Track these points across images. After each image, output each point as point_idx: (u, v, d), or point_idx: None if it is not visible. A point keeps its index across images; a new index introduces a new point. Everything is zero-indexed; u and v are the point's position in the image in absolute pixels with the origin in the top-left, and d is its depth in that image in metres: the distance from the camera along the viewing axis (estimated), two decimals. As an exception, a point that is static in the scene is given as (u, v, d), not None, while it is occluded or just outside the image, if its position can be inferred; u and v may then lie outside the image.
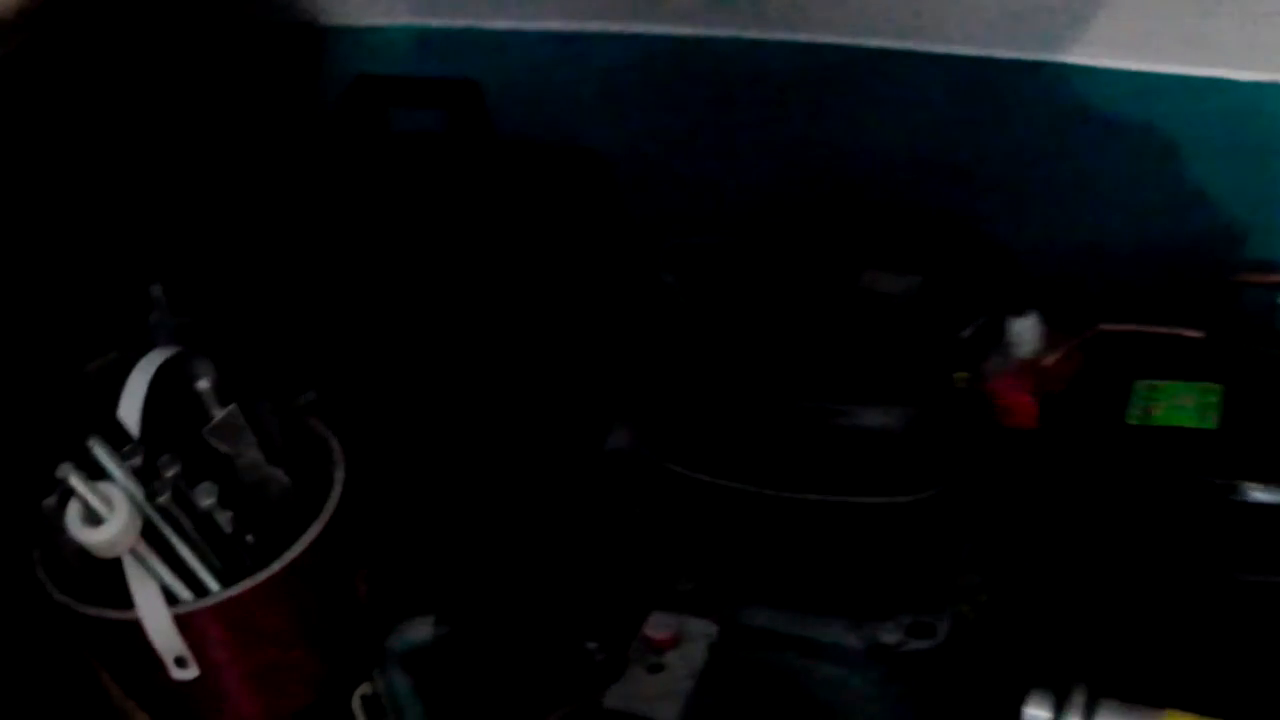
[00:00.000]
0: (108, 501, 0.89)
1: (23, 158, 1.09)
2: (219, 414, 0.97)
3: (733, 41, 1.20)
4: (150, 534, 0.94)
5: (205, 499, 0.94)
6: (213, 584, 0.98)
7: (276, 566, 0.99)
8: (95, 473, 0.91)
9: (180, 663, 0.98)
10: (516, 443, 1.22)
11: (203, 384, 0.96)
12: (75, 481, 0.87)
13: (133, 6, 1.17)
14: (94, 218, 1.14)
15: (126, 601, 0.95)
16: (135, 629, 0.96)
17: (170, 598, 0.96)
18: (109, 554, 0.91)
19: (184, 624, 0.96)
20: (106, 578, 0.95)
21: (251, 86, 1.28)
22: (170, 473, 0.94)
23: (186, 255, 1.18)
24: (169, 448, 0.96)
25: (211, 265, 1.20)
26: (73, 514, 0.89)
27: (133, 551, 0.92)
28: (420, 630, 1.05)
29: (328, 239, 1.25)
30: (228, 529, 0.97)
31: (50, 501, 0.92)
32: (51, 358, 1.09)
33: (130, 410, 0.95)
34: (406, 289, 1.23)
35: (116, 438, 0.96)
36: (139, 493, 0.92)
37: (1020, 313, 1.07)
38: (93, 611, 0.97)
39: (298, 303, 1.22)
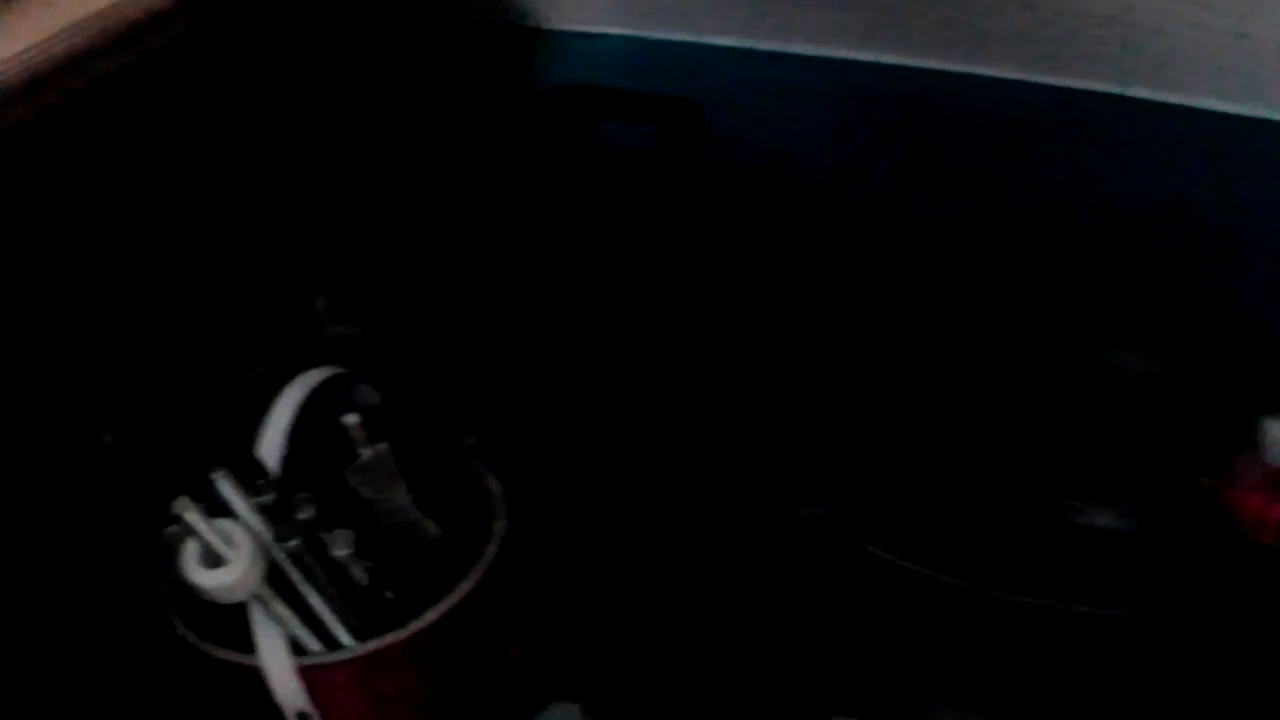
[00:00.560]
0: (230, 542, 0.81)
1: (202, 153, 1.02)
2: (367, 453, 0.87)
3: (966, 77, 1.06)
4: (278, 580, 0.85)
5: (340, 548, 0.85)
6: (345, 638, 0.89)
7: (415, 626, 0.89)
8: (221, 508, 0.82)
9: (303, 717, 0.88)
10: (702, 503, 1.09)
11: (351, 419, 0.86)
12: (192, 518, 0.78)
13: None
14: (268, 223, 1.05)
15: (252, 643, 0.86)
16: (258, 676, 0.87)
17: (298, 648, 0.87)
18: (227, 599, 0.82)
19: (310, 677, 0.88)
20: (236, 614, 0.86)
21: (451, 88, 1.19)
22: (304, 515, 0.84)
23: (362, 266, 1.09)
24: (308, 484, 0.87)
25: (389, 279, 1.11)
26: (190, 552, 0.80)
27: (257, 597, 0.83)
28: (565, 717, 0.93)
29: (522, 258, 1.15)
30: (363, 580, 0.87)
31: (174, 530, 0.83)
32: (220, 367, 1.00)
33: (271, 443, 0.86)
34: (604, 321, 1.12)
35: (254, 467, 0.87)
36: (267, 534, 0.83)
37: (1276, 413, 0.91)
38: (214, 651, 0.88)
39: (478, 326, 1.12)
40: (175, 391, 0.96)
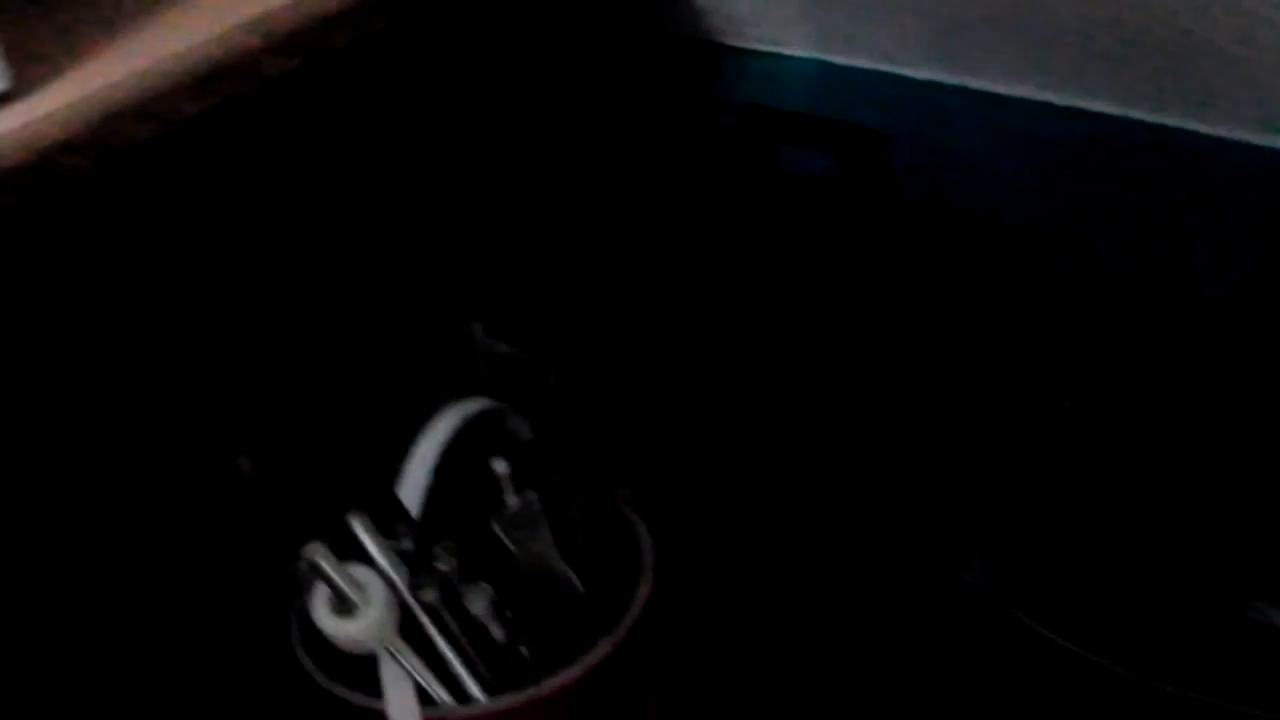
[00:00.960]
0: (362, 590, 0.76)
1: (364, 164, 0.97)
2: (514, 501, 0.81)
3: (1186, 134, 0.97)
4: (410, 629, 0.80)
5: (478, 603, 0.79)
6: (477, 693, 0.83)
7: (551, 684, 0.83)
8: (354, 550, 0.77)
9: (428, 769, 0.83)
10: (860, 559, 1.03)
11: (500, 467, 0.81)
12: (323, 564, 0.73)
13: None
14: (429, 239, 1.00)
15: (379, 687, 0.81)
16: (382, 722, 0.82)
17: (425, 697, 0.82)
18: (355, 650, 0.77)
19: (436, 731, 0.82)
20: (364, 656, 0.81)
21: (631, 101, 1.13)
22: (444, 565, 0.79)
23: (525, 289, 1.04)
24: (448, 527, 0.82)
25: (551, 303, 1.05)
26: (320, 599, 0.76)
27: (388, 647, 0.78)
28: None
29: (690, 283, 1.09)
30: (500, 637, 0.81)
31: (304, 566, 0.78)
32: (368, 393, 0.96)
33: (413, 482, 0.81)
34: (774, 361, 1.06)
35: (394, 504, 0.82)
36: (402, 583, 0.78)
37: None
38: (339, 692, 0.84)
39: (643, 357, 1.06)
40: (318, 417, 0.91)
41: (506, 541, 0.82)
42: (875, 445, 1.04)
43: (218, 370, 0.87)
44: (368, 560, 0.78)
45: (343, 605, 0.76)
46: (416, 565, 0.80)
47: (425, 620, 0.80)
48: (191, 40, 0.80)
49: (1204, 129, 0.96)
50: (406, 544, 0.80)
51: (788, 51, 1.16)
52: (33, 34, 0.81)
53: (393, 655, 0.80)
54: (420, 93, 0.99)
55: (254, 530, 0.87)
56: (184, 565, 0.88)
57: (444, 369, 0.93)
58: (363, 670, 0.81)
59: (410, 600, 0.79)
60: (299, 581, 0.83)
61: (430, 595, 0.79)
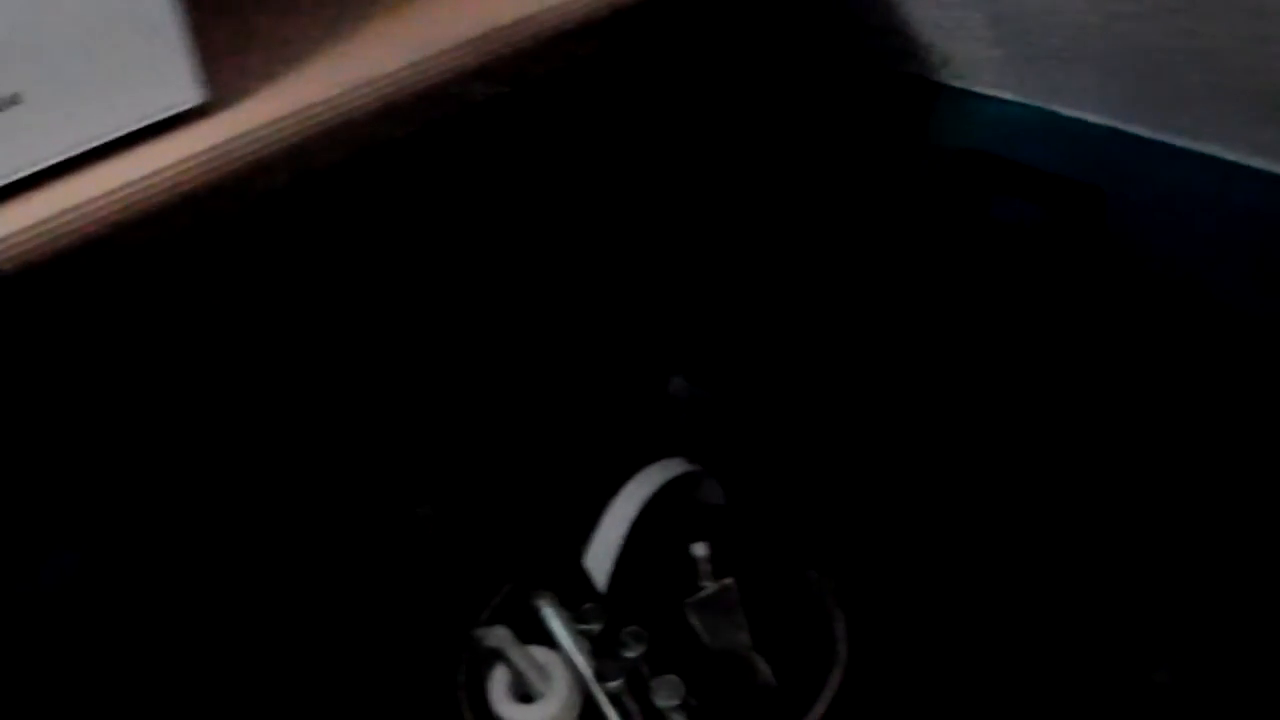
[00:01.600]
0: (546, 677, 0.69)
1: (559, 195, 0.91)
2: (710, 587, 0.74)
3: None
4: (589, 715, 0.73)
5: (666, 699, 0.73)
6: (652, 783, 0.77)
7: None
8: (536, 632, 0.71)
9: None
10: (1052, 661, 0.95)
11: (700, 550, 0.74)
12: (510, 652, 0.67)
13: (720, 32, 0.96)
14: (625, 285, 0.94)
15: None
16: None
17: (598, 783, 0.76)
18: (533, 738, 0.71)
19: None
20: None
21: (842, 138, 1.06)
22: (632, 653, 0.73)
23: (724, 340, 0.97)
24: (637, 611, 0.75)
25: (751, 355, 0.98)
26: (499, 682, 0.70)
27: (564, 733, 0.72)
28: None
29: (897, 334, 1.01)
30: (682, 729, 0.75)
31: (482, 634, 0.72)
32: (555, 445, 0.90)
33: (601, 553, 0.74)
34: (980, 432, 0.98)
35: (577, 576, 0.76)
36: (588, 671, 0.72)
37: None
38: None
39: (843, 416, 0.98)
40: (502, 467, 0.85)
41: (700, 629, 0.75)
42: (1076, 531, 0.96)
43: (404, 414, 0.81)
44: (551, 642, 0.72)
45: (524, 690, 0.70)
46: (603, 650, 0.74)
47: (610, 711, 0.74)
48: (394, 62, 0.74)
49: None
50: (594, 627, 0.74)
51: (1012, 97, 1.08)
52: (230, 47, 0.76)
53: (569, 740, 0.74)
54: (622, 126, 0.92)
55: (431, 576, 0.81)
56: (360, 605, 0.83)
57: (638, 423, 0.86)
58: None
59: (596, 690, 0.73)
60: (475, 649, 0.77)
61: (616, 684, 0.73)
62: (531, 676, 0.69)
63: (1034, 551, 0.97)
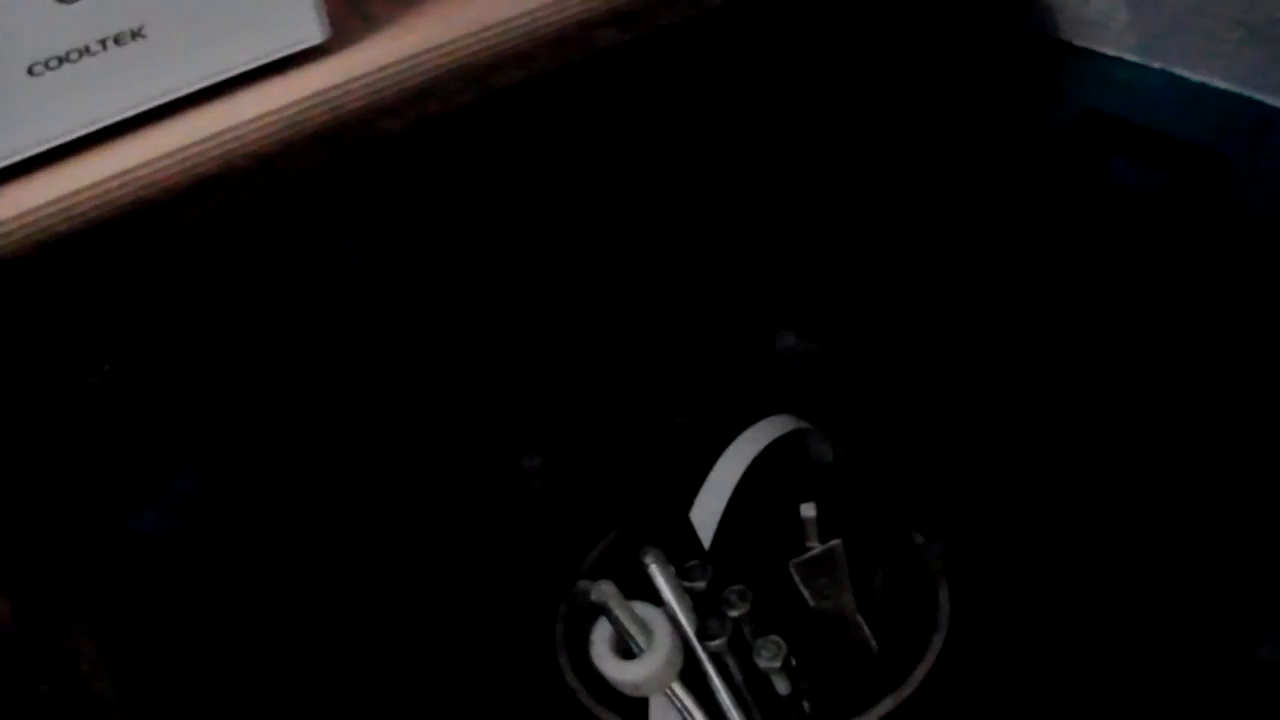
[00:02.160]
0: (648, 633, 0.69)
1: (684, 155, 0.90)
2: (817, 547, 0.73)
3: None
4: (690, 670, 0.73)
5: (768, 660, 0.72)
6: (749, 741, 0.76)
7: (829, 745, 0.76)
8: (639, 587, 0.70)
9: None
10: (1153, 629, 0.93)
11: (809, 511, 0.73)
12: (614, 608, 0.67)
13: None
14: (738, 237, 0.92)
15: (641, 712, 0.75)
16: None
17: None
18: (633, 693, 0.70)
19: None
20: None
21: (965, 95, 1.03)
22: (735, 612, 0.72)
23: (834, 292, 0.95)
24: (741, 569, 0.74)
25: (862, 309, 0.96)
26: (601, 637, 0.70)
27: (666, 690, 0.72)
28: None
29: (1019, 298, 0.99)
30: (784, 690, 0.74)
31: (584, 587, 0.72)
32: (666, 399, 0.89)
33: (709, 509, 0.74)
34: (1093, 394, 0.95)
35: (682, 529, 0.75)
36: (691, 629, 0.71)
37: None
38: (601, 714, 0.78)
39: (948, 377, 0.97)
40: (612, 421, 0.85)
41: (804, 590, 0.74)
42: (1192, 503, 0.94)
43: (516, 364, 0.81)
44: (655, 598, 0.71)
45: (626, 647, 0.70)
46: (707, 609, 0.73)
47: (710, 669, 0.73)
48: (522, 5, 0.73)
49: None
50: (699, 584, 0.73)
51: (1134, 58, 1.05)
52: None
53: (669, 697, 0.73)
54: (748, 76, 0.90)
55: (537, 527, 0.81)
56: (462, 559, 0.83)
57: (746, 378, 0.85)
58: (631, 698, 0.76)
59: (698, 648, 0.72)
60: (576, 602, 0.77)
61: (718, 643, 0.72)
62: (634, 632, 0.69)
63: (1148, 523, 0.94)
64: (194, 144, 0.65)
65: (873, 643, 0.78)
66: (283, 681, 0.80)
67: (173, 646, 0.77)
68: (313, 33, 0.69)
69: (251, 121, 0.66)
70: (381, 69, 0.69)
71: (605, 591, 0.67)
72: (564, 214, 0.83)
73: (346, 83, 0.68)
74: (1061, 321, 0.99)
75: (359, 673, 0.84)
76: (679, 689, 0.74)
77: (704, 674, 0.74)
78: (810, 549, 0.75)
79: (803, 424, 0.81)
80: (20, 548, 0.64)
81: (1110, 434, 0.96)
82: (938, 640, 0.81)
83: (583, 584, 0.74)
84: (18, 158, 0.63)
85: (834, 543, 0.73)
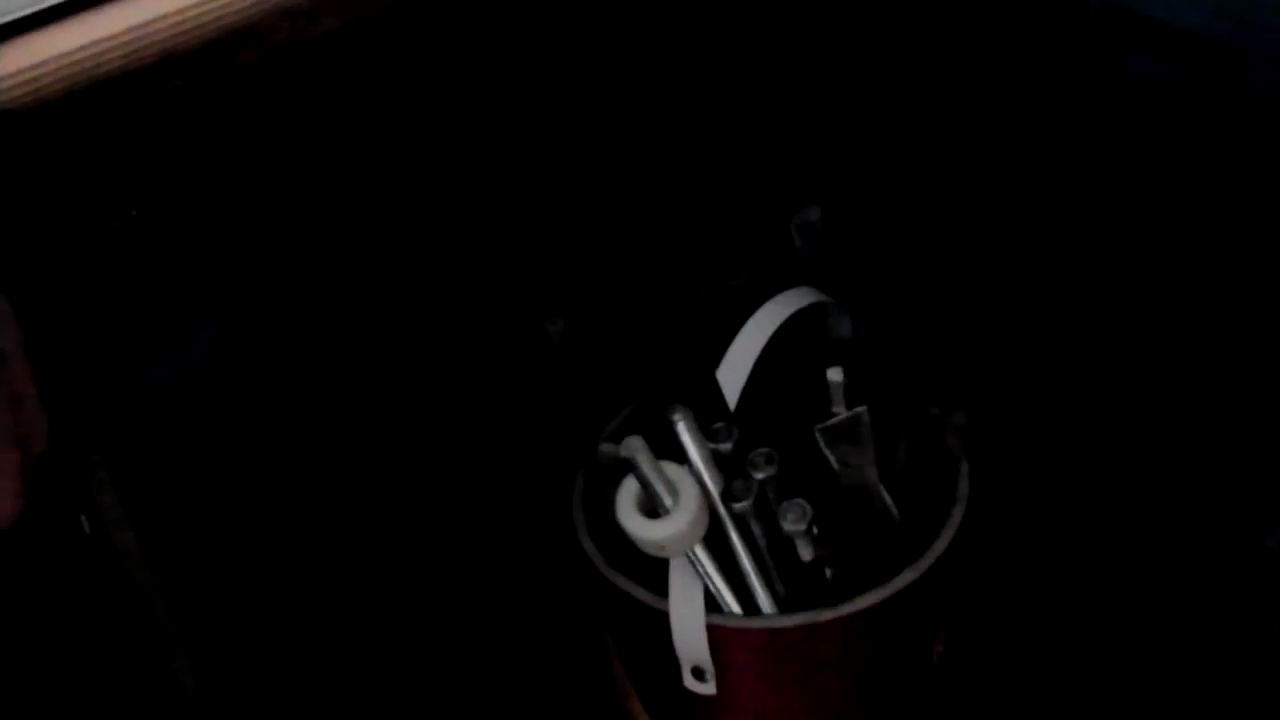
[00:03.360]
0: (675, 493, 0.69)
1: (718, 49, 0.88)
2: (842, 413, 0.73)
3: None
4: (713, 534, 0.73)
5: (793, 523, 0.72)
6: (767, 605, 0.77)
7: (845, 609, 0.76)
8: (668, 446, 0.70)
9: (698, 674, 0.78)
10: (1163, 521, 0.93)
11: (835, 375, 0.73)
12: (643, 463, 0.66)
13: None
14: (763, 112, 0.91)
15: (663, 583, 0.75)
16: (662, 618, 0.76)
17: (712, 601, 0.75)
18: (655, 553, 0.70)
19: (718, 636, 0.76)
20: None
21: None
22: (761, 474, 0.72)
23: (854, 179, 0.94)
24: (767, 434, 0.74)
25: (884, 192, 0.95)
26: (626, 496, 0.69)
27: (688, 551, 0.72)
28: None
29: (1022, 186, 0.99)
30: (806, 556, 0.74)
31: (608, 449, 0.72)
32: (688, 269, 0.88)
33: (735, 371, 0.73)
34: (1105, 289, 0.95)
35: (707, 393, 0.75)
36: (716, 490, 0.71)
37: None
38: (620, 582, 0.78)
39: (981, 260, 0.96)
40: (635, 287, 0.84)
41: (829, 455, 0.74)
42: (1190, 395, 0.94)
43: (535, 228, 0.80)
44: (683, 458, 0.71)
45: (652, 506, 0.70)
46: (733, 471, 0.73)
47: (733, 532, 0.73)
48: None
49: None
50: (725, 447, 0.73)
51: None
52: None
53: (690, 559, 0.73)
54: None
55: (560, 392, 0.81)
56: (481, 421, 0.82)
57: (767, 251, 0.84)
58: (646, 562, 0.76)
59: (722, 510, 0.72)
60: (598, 464, 0.77)
61: (743, 505, 0.72)
62: (660, 489, 0.69)
63: (1162, 418, 0.94)
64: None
65: (894, 512, 0.78)
66: (299, 539, 0.80)
67: (191, 501, 0.77)
68: None
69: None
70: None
71: (634, 446, 0.66)
72: (593, 82, 0.82)
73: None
74: (1076, 208, 0.99)
75: (372, 534, 0.84)
76: (701, 551, 0.74)
77: (726, 537, 0.74)
78: (836, 414, 0.75)
79: (824, 297, 0.80)
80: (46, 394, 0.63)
81: (1126, 325, 0.96)
82: (957, 513, 0.81)
83: (605, 446, 0.74)
84: (45, 5, 0.62)
85: (859, 409, 0.73)
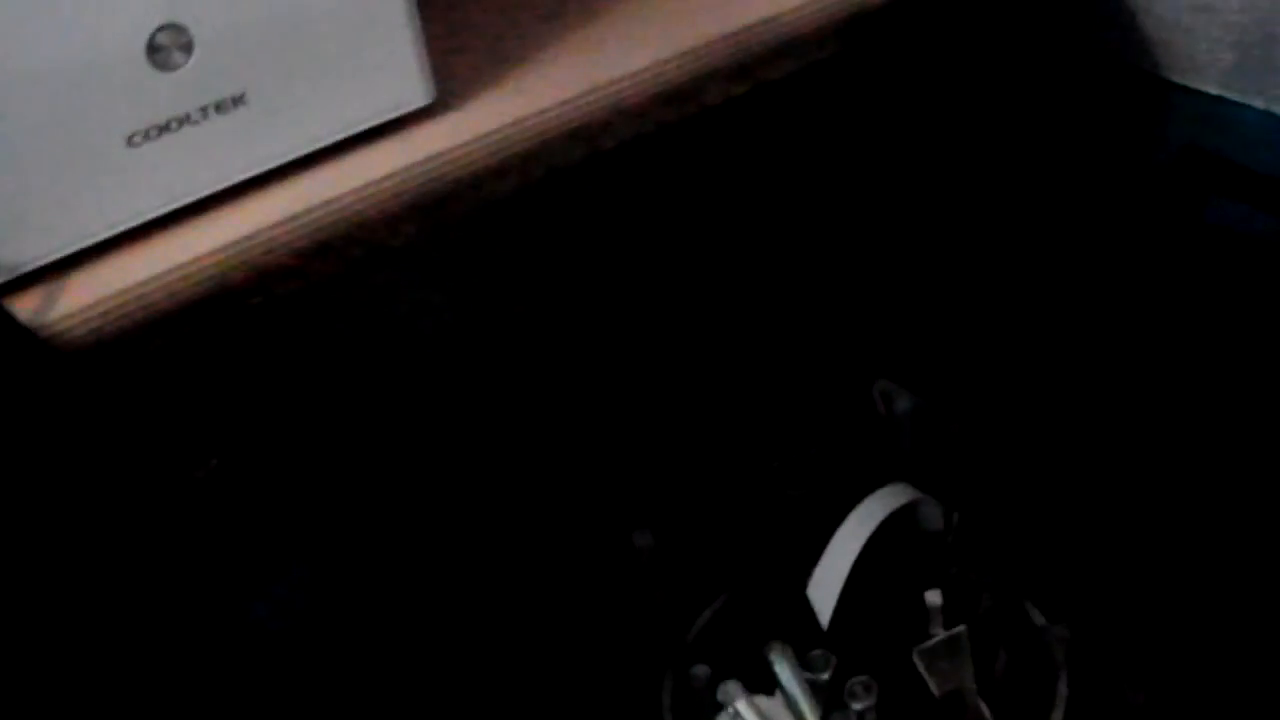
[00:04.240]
0: (773, 728, 0.66)
1: (784, 213, 0.86)
2: (941, 633, 0.70)
3: None
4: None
5: (892, 754, 0.69)
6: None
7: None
8: (761, 679, 0.67)
9: None
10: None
11: (934, 598, 0.70)
12: (742, 708, 0.63)
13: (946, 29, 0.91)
14: (830, 295, 0.89)
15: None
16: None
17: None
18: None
19: None
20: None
21: (1065, 129, 1.00)
22: (860, 705, 0.69)
23: (932, 339, 0.92)
24: (863, 656, 0.71)
25: (958, 352, 0.93)
26: (725, 732, 0.66)
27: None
28: None
29: (1113, 340, 0.96)
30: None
31: (700, 672, 0.69)
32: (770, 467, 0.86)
33: (827, 587, 0.70)
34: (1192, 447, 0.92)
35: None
36: (814, 722, 0.68)
37: None
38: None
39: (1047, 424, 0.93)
40: (720, 495, 0.81)
41: (928, 678, 0.71)
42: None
43: (622, 438, 0.78)
44: (780, 694, 0.68)
45: (749, 743, 0.67)
46: (831, 702, 0.70)
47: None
48: (631, 64, 0.70)
49: None
50: (823, 677, 0.70)
51: (1237, 98, 1.02)
52: (449, 44, 0.72)
53: (788, 788, 0.70)
54: (853, 129, 0.87)
55: (641, 602, 0.78)
56: (571, 628, 0.80)
57: (842, 433, 0.82)
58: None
59: (822, 743, 0.69)
60: (690, 681, 0.74)
61: (843, 739, 0.69)
62: (759, 729, 0.66)
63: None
64: (290, 218, 0.62)
65: (991, 723, 0.75)
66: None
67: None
68: (419, 95, 0.66)
69: (357, 191, 0.64)
70: (491, 131, 0.66)
71: (731, 693, 0.64)
72: (667, 275, 0.80)
73: (455, 147, 0.66)
74: (1160, 366, 0.96)
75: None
76: (797, 779, 0.71)
77: (826, 766, 0.71)
78: (934, 635, 0.72)
79: (917, 494, 0.78)
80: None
81: (1231, 501, 0.92)
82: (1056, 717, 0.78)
83: (699, 669, 0.71)
84: (117, 230, 0.60)
85: (959, 629, 0.70)
